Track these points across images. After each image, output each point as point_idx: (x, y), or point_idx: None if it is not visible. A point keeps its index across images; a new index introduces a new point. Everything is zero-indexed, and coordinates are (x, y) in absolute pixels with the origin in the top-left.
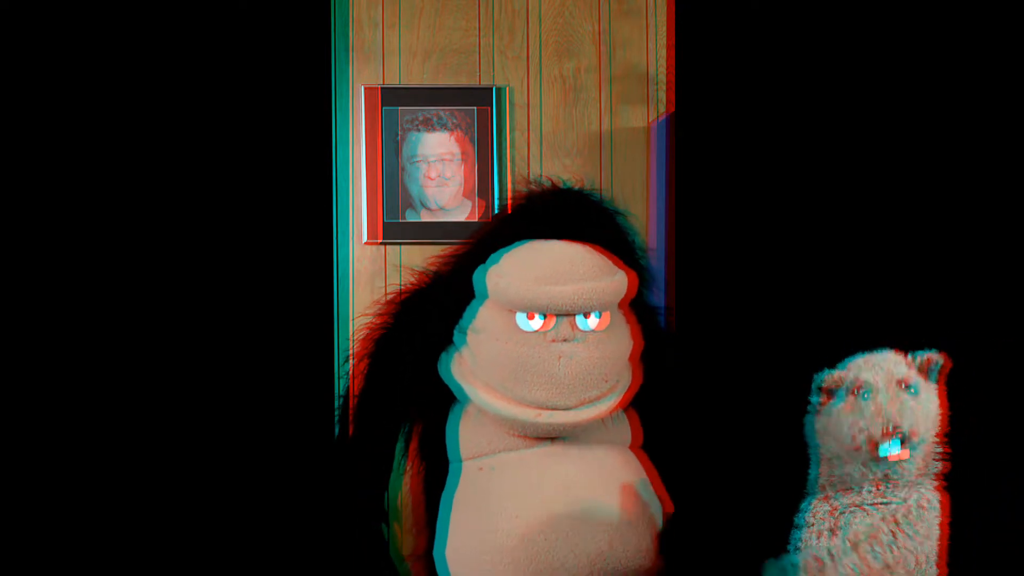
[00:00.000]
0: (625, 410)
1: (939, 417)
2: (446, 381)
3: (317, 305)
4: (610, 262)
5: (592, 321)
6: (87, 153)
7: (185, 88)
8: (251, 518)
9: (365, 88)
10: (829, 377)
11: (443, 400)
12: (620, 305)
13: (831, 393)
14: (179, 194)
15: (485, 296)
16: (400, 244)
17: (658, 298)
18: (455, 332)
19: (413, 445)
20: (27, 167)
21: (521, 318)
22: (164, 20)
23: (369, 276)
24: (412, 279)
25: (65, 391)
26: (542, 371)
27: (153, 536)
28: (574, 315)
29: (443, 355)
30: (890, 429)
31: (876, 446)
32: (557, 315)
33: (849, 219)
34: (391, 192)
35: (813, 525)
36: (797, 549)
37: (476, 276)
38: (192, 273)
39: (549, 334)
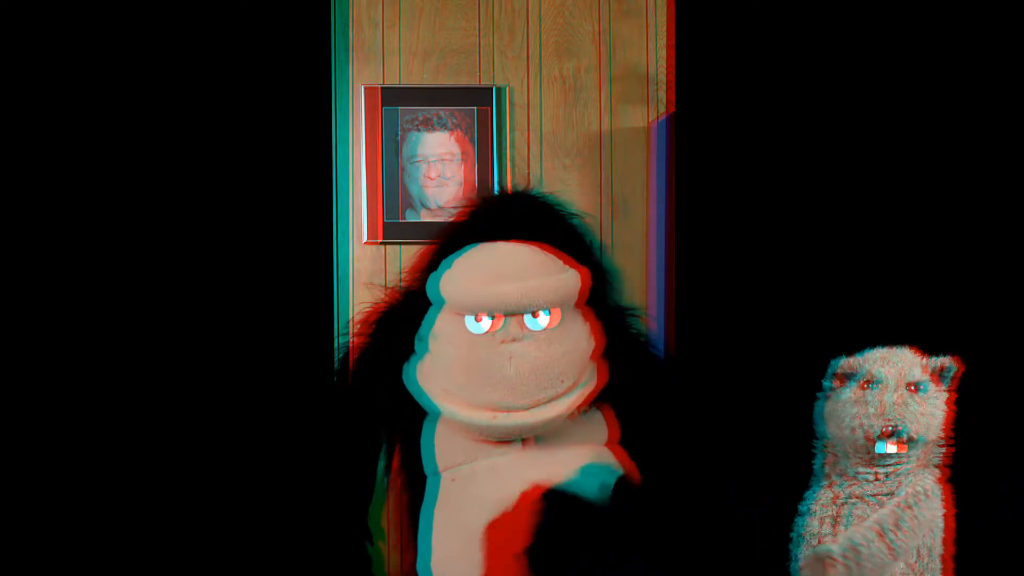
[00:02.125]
0: (599, 407)
1: (943, 421)
2: (410, 390)
3: (317, 305)
4: (558, 260)
5: (542, 320)
6: (87, 153)
7: (185, 88)
8: (237, 526)
9: (365, 88)
10: (845, 363)
11: (419, 413)
12: (577, 304)
13: (844, 379)
14: (179, 194)
15: (440, 303)
16: (400, 244)
17: (656, 300)
18: (415, 341)
19: (395, 462)
20: (27, 167)
21: (469, 320)
22: (164, 20)
23: (369, 276)
24: (383, 296)
25: (63, 387)
26: (493, 372)
27: (142, 544)
28: (522, 314)
29: (406, 365)
30: (889, 430)
31: (873, 442)
32: (505, 315)
33: (850, 219)
34: (391, 192)
35: (816, 513)
36: (801, 536)
37: (429, 284)
38: (192, 273)
39: (498, 335)
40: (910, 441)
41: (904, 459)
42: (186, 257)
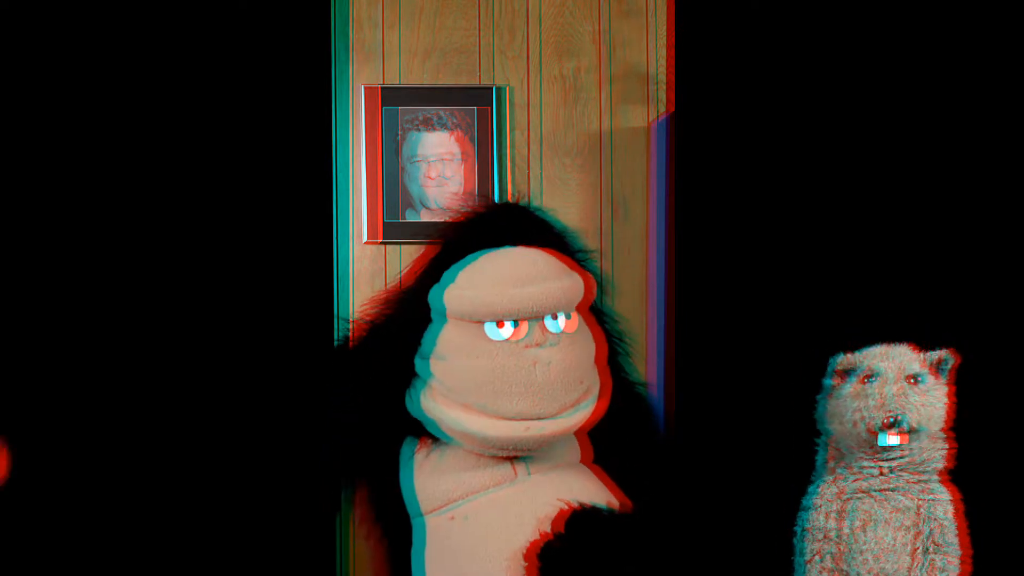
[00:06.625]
0: None
1: (944, 413)
2: (417, 416)
3: (317, 305)
4: (565, 264)
5: (562, 322)
6: (87, 153)
7: (185, 88)
8: (222, 525)
9: (365, 88)
10: (844, 359)
11: (391, 453)
12: (579, 308)
13: (844, 375)
14: (179, 194)
15: (444, 319)
16: (400, 244)
17: (655, 300)
18: (416, 361)
19: (364, 510)
20: (26, 167)
21: (491, 328)
22: (164, 19)
23: (369, 276)
24: (352, 331)
25: (60, 383)
26: (519, 380)
27: (125, 545)
28: (543, 318)
29: (409, 391)
30: (890, 421)
31: (875, 434)
32: (528, 320)
33: (850, 219)
34: (391, 192)
35: (821, 507)
36: (804, 530)
37: (432, 298)
38: (192, 272)
39: (522, 341)
40: (911, 432)
41: (907, 451)
42: (185, 257)
